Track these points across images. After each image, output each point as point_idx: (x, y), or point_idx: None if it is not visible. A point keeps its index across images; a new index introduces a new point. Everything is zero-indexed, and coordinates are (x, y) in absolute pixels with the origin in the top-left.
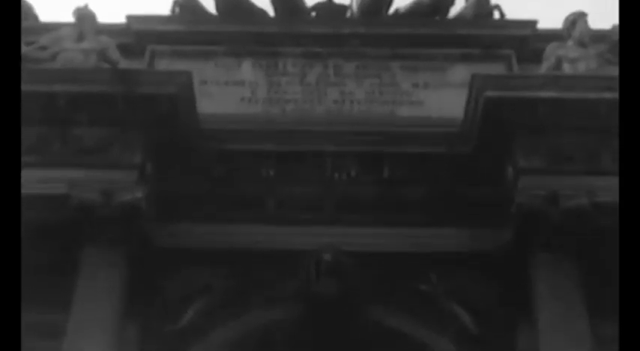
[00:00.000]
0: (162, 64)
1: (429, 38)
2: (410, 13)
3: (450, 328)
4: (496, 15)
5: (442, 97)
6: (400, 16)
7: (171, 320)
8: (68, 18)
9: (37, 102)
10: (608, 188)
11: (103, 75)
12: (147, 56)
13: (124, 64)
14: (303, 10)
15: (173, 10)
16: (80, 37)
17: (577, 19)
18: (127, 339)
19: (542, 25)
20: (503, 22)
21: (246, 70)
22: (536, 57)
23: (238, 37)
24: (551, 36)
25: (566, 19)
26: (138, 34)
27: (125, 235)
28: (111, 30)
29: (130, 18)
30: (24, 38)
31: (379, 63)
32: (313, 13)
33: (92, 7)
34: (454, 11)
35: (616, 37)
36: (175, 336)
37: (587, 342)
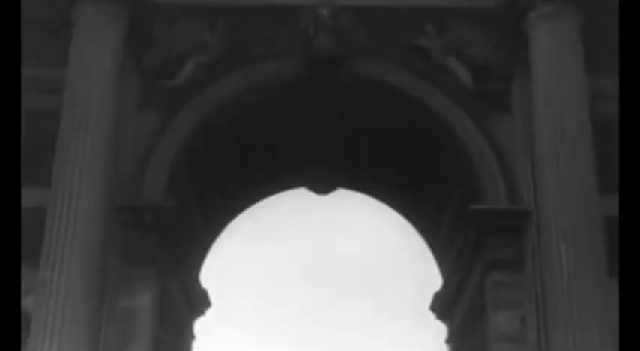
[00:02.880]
0: None
1: None
2: None
3: (447, 83)
4: None
5: None
6: None
7: (169, 76)
8: None
9: None
10: None
11: None
12: None
13: None
14: None
15: None
16: None
17: None
18: (126, 95)
19: None
20: None
21: None
22: None
23: None
24: None
25: None
26: None
27: None
28: None
29: None
30: None
31: None
32: None
33: None
34: None
35: None
36: (173, 91)
37: (583, 105)
